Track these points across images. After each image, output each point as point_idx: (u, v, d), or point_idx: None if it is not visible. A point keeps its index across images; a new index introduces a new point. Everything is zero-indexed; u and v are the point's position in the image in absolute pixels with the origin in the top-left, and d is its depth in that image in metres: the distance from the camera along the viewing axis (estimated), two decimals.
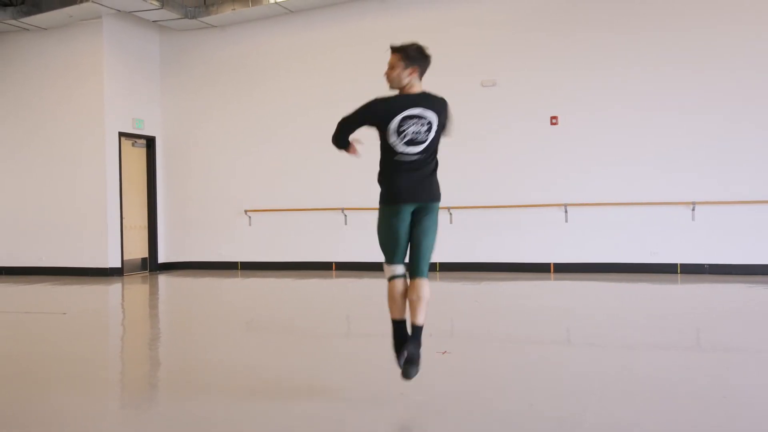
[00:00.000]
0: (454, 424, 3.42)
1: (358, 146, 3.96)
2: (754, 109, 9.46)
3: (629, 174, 10.02)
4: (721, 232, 9.64)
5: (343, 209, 11.45)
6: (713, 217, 9.67)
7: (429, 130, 3.72)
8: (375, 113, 3.76)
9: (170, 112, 13.04)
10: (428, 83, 12.08)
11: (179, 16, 12.02)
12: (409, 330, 3.80)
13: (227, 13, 11.97)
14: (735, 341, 5.37)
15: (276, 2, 11.50)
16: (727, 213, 9.61)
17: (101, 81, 11.90)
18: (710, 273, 9.66)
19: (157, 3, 11.42)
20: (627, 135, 10.04)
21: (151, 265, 12.86)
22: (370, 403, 3.74)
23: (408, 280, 3.83)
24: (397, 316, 3.82)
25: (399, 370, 3.76)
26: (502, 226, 10.54)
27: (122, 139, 12.27)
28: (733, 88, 9.55)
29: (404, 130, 3.68)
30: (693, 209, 9.75)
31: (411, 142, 3.70)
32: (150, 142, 12.96)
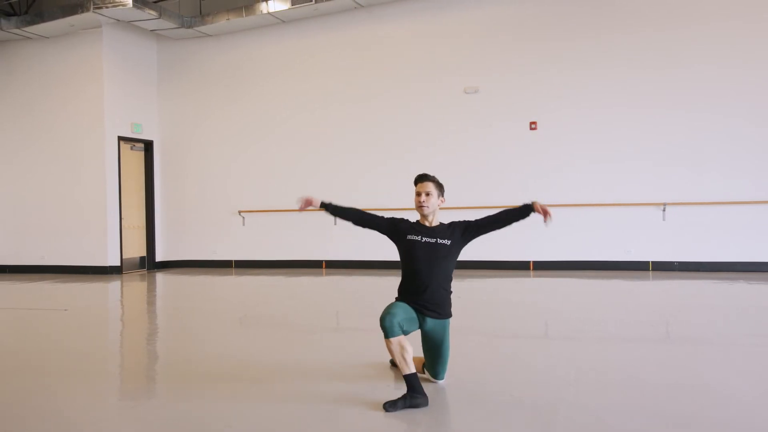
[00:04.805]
0: (438, 413, 3.42)
1: None
2: (720, 114, 9.54)
3: (604, 176, 10.09)
4: (690, 232, 9.72)
5: None
6: (682, 217, 9.75)
7: None
8: None
9: (167, 117, 12.98)
10: (414, 90, 12.13)
11: (176, 26, 11.99)
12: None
13: (222, 22, 11.95)
14: (703, 334, 5.42)
15: (269, 13, 11.48)
16: (695, 213, 9.69)
17: (101, 87, 11.84)
18: (680, 270, 9.74)
19: (154, 13, 11.38)
20: (602, 140, 10.10)
21: (149, 264, 12.80)
22: (358, 394, 3.74)
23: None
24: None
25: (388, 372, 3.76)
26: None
27: (121, 142, 12.20)
28: (700, 93, 9.63)
29: None
30: (664, 210, 9.83)
31: None
32: (148, 146, 12.90)
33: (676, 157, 9.75)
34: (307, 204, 3.95)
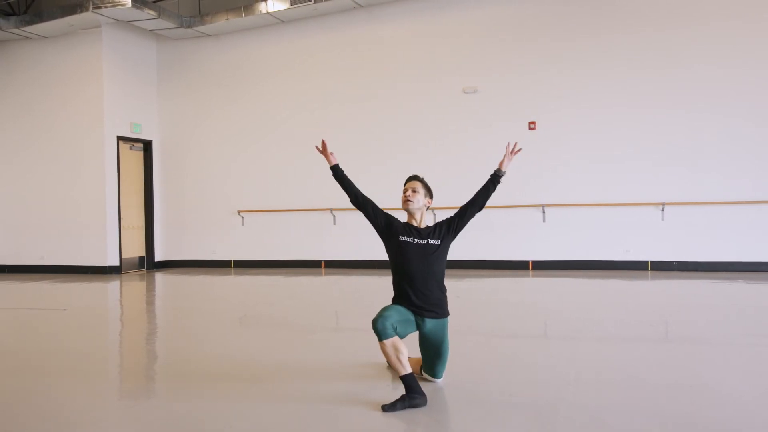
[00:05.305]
0: (437, 413, 3.43)
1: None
2: (720, 114, 9.54)
3: (603, 176, 10.10)
4: (688, 231, 9.73)
5: (331, 210, 11.43)
6: (681, 217, 9.76)
7: None
8: None
9: (166, 116, 12.99)
10: (414, 90, 12.09)
11: (175, 26, 11.99)
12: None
13: (221, 22, 11.95)
14: (702, 334, 5.42)
15: (268, 13, 11.49)
16: (694, 213, 9.70)
17: (100, 87, 11.84)
18: (678, 270, 9.75)
19: (154, 13, 11.38)
20: (602, 140, 10.11)
21: (148, 264, 12.80)
22: (358, 394, 3.75)
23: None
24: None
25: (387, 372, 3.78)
26: (483, 225, 10.55)
27: (120, 142, 12.20)
28: (700, 93, 9.64)
29: None
30: (662, 210, 9.84)
31: None
32: (147, 146, 12.90)
33: (676, 157, 9.76)
34: (324, 148, 4.11)
